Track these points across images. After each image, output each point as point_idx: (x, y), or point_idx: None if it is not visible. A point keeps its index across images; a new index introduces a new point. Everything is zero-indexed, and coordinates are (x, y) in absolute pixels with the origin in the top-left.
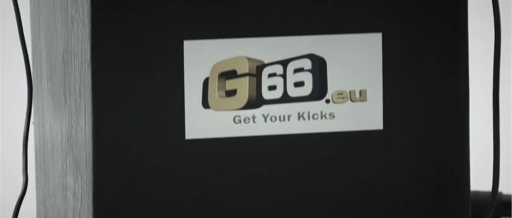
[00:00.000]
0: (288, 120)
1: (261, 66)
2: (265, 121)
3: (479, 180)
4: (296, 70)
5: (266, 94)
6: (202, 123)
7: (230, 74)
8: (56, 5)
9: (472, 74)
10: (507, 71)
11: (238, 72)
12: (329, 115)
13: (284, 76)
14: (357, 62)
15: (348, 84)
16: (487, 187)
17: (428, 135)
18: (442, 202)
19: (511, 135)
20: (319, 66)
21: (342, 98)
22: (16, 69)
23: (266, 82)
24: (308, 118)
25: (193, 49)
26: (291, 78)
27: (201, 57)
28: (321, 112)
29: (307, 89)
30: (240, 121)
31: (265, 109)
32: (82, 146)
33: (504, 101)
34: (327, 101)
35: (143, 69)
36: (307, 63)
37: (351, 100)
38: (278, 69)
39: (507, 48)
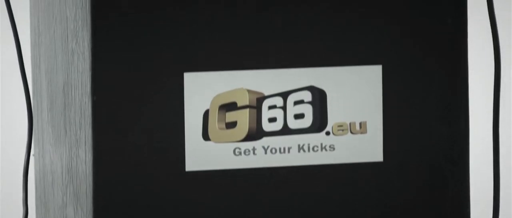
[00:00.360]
0: (288, 152)
1: (261, 98)
2: (265, 152)
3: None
4: (296, 102)
5: (266, 126)
6: (203, 154)
7: (230, 106)
8: (57, 37)
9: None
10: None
11: (238, 104)
12: (329, 146)
13: (284, 108)
14: (357, 94)
15: (348, 116)
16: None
17: (428, 167)
18: None
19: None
20: (319, 98)
21: (342, 130)
22: (17, 101)
23: (266, 114)
24: (308, 150)
25: (194, 81)
26: (291, 110)
27: (202, 89)
28: (321, 144)
29: (307, 121)
30: (240, 153)
31: (265, 141)
32: (82, 178)
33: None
34: (327, 133)
35: (143, 101)
36: (307, 95)
37: (351, 132)
38: (278, 101)
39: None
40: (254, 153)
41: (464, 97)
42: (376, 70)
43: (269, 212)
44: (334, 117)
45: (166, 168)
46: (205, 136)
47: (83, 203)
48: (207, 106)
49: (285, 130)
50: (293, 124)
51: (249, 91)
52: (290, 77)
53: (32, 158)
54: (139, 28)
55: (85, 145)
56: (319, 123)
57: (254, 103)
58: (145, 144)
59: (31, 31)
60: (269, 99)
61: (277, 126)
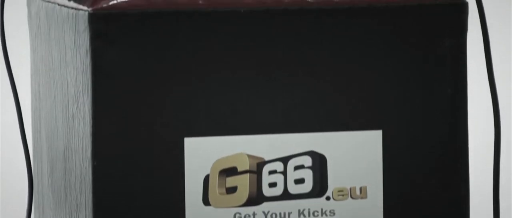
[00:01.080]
0: (289, 217)
1: (261, 163)
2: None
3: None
4: (296, 167)
5: (267, 191)
6: None
7: (231, 171)
8: (57, 102)
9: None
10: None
11: (239, 169)
12: (330, 212)
13: (284, 173)
14: (357, 159)
15: (349, 181)
16: None
17: None
18: None
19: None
20: (319, 163)
21: (343, 195)
22: (17, 166)
23: (266, 179)
24: (309, 215)
25: (194, 147)
26: (292, 175)
27: (202, 155)
28: (322, 209)
29: (307, 187)
30: None
31: (265, 206)
32: None
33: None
34: (328, 198)
35: (143, 166)
36: (307, 161)
37: (352, 197)
38: (279, 166)
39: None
40: None
41: (464, 165)
42: (376, 135)
43: None
44: (334, 181)
45: None
46: (206, 201)
47: None
48: (207, 171)
49: (286, 195)
50: (293, 189)
51: (249, 156)
52: (290, 142)
53: None
54: (139, 93)
55: (86, 210)
56: (319, 188)
57: (255, 168)
58: (145, 209)
59: (31, 95)
60: (270, 164)
61: (278, 191)
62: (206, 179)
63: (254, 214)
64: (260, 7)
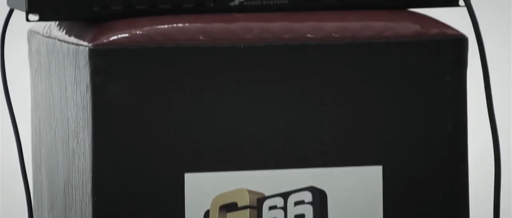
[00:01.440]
0: None
1: (261, 199)
2: None
3: None
4: (296, 203)
5: None
6: None
7: (231, 207)
8: (58, 137)
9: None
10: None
11: (239, 205)
12: None
13: (284, 209)
14: (357, 195)
15: (349, 217)
16: None
17: None
18: None
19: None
20: (319, 199)
21: None
22: (17, 200)
23: (267, 215)
24: None
25: (194, 182)
26: (292, 211)
27: (202, 190)
28: None
29: None
30: None
31: None
32: None
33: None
34: None
35: (144, 202)
36: (307, 196)
37: None
38: (279, 201)
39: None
40: None
41: (464, 198)
42: (376, 171)
43: None
44: (334, 217)
45: None
46: None
47: None
48: (207, 207)
49: None
50: None
51: (249, 191)
52: (290, 178)
53: None
54: (139, 128)
55: None
56: None
57: (255, 203)
58: None
59: (32, 131)
60: (270, 200)
61: None
62: (207, 215)
63: None
64: (260, 43)
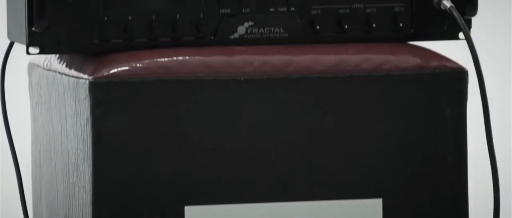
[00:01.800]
0: None
1: None
2: None
3: None
4: None
5: None
6: None
7: None
8: (58, 170)
9: None
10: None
11: None
12: None
13: None
14: None
15: None
16: None
17: None
18: None
19: None
20: None
21: None
22: None
23: None
24: None
25: (194, 215)
26: None
27: None
28: None
29: None
30: None
31: None
32: None
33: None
34: None
35: None
36: None
37: None
38: None
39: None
40: None
41: None
42: (376, 204)
43: None
44: None
45: None
46: None
47: None
48: None
49: None
50: None
51: None
52: (289, 211)
53: None
54: (139, 161)
55: None
56: None
57: None
58: None
59: (32, 163)
60: None
61: None
62: None
63: None
64: (261, 75)
